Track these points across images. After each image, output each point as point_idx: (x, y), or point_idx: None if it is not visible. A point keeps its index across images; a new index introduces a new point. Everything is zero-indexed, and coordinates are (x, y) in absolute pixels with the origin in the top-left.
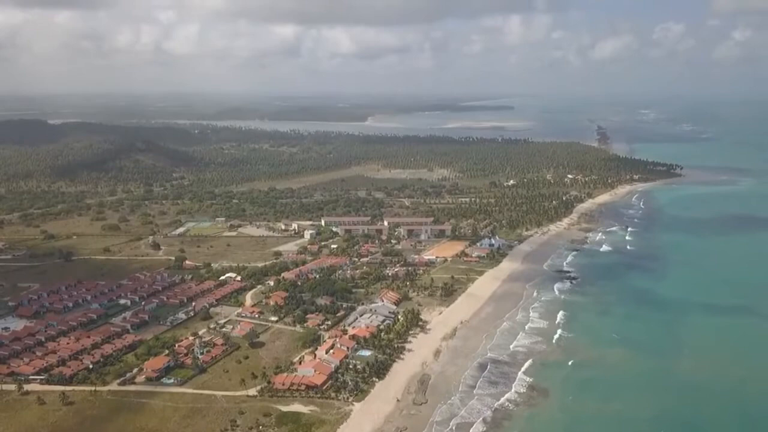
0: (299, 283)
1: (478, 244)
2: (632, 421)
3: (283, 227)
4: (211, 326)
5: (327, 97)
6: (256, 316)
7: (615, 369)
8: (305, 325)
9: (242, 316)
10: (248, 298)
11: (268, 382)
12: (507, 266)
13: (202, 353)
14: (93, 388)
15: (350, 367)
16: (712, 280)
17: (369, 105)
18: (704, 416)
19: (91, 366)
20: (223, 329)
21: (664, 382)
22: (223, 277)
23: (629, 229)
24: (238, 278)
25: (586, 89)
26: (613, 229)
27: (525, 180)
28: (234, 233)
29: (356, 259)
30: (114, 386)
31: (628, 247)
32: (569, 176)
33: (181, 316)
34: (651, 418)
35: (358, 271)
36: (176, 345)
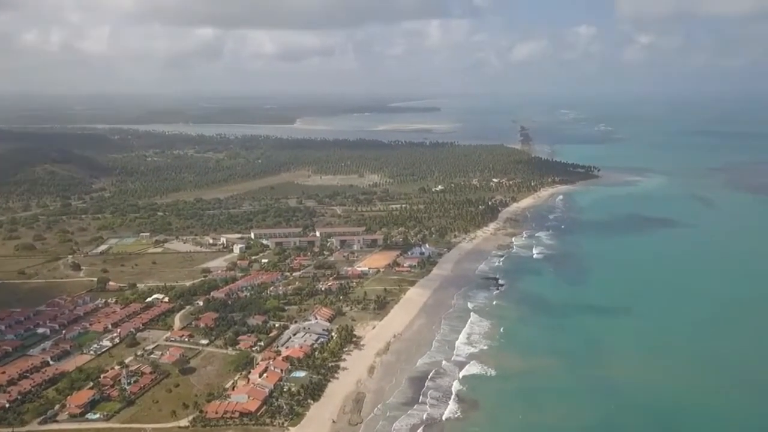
0: (230, 302)
1: (410, 253)
2: (563, 430)
3: (211, 241)
4: (139, 353)
5: (253, 98)
6: (186, 339)
7: (544, 377)
8: (237, 347)
9: (171, 341)
10: (177, 321)
11: (201, 412)
12: (437, 275)
13: (129, 384)
14: (11, 430)
15: (285, 390)
16: (632, 282)
17: (297, 106)
18: (628, 422)
19: (7, 405)
20: (152, 356)
21: (590, 388)
22: (149, 299)
23: (552, 232)
24: (166, 299)
25: (508, 90)
26: (538, 233)
27: (452, 185)
28: (160, 249)
29: (288, 274)
30: (34, 426)
31: (551, 251)
32: (494, 180)
33: (106, 343)
34: (580, 425)
35: (290, 287)
36: (101, 376)
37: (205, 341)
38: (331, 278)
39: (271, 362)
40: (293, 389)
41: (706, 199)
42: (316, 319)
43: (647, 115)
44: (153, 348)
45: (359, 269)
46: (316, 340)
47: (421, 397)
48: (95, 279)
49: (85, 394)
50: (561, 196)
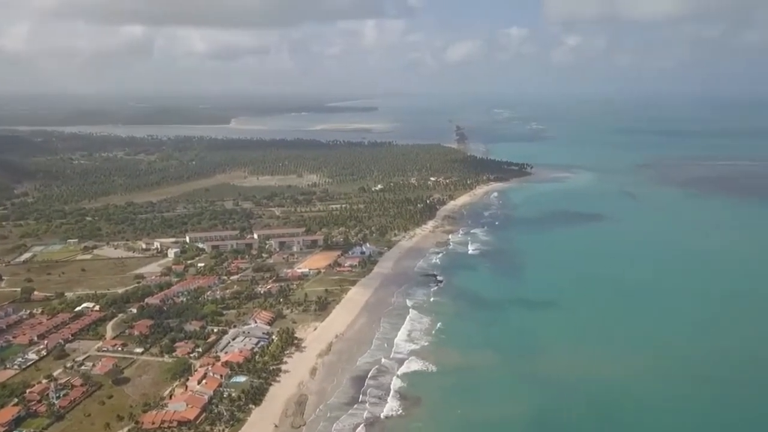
0: (165, 309)
1: (350, 252)
2: (503, 423)
3: (144, 246)
4: (68, 365)
5: (187, 97)
6: (119, 349)
7: (483, 371)
8: (174, 354)
9: (103, 351)
10: (109, 330)
11: (137, 423)
12: (378, 273)
13: (58, 398)
14: None
15: (225, 396)
16: (563, 275)
17: (232, 106)
18: (566, 414)
19: None
20: (82, 367)
21: (528, 380)
22: (79, 308)
23: (488, 229)
24: (97, 308)
25: (443, 89)
26: (474, 230)
27: (391, 184)
28: (89, 256)
29: (226, 278)
30: None
31: (487, 247)
32: (432, 179)
33: (32, 356)
34: (520, 417)
35: (228, 291)
36: (27, 391)
37: (139, 350)
38: (270, 281)
39: (210, 368)
40: (234, 395)
41: (632, 193)
42: (256, 322)
43: (576, 114)
44: (83, 359)
45: (299, 271)
46: (257, 343)
47: (361, 396)
48: (19, 289)
49: (9, 412)
50: (496, 194)
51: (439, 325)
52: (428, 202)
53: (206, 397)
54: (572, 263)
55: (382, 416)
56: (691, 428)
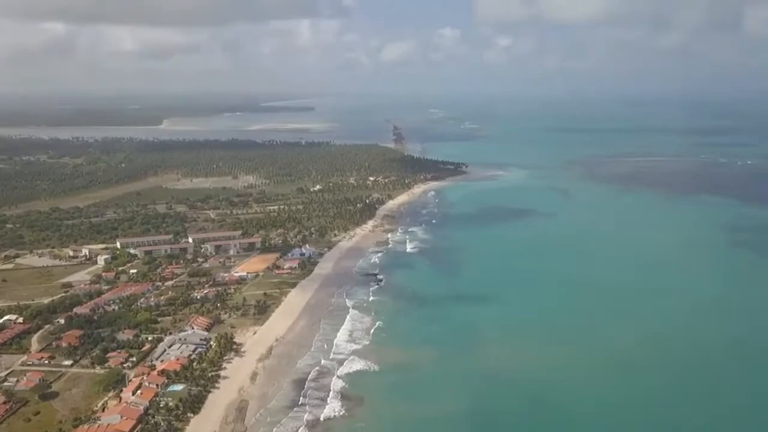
0: (96, 318)
1: (290, 254)
2: (445, 418)
3: (71, 254)
4: None
5: (115, 98)
6: (46, 362)
7: (425, 367)
8: (106, 365)
9: (28, 365)
10: (34, 342)
11: None
12: (318, 275)
13: None
14: None
15: (161, 406)
16: (500, 269)
17: (163, 107)
18: (505, 406)
19: None
20: (5, 384)
21: (470, 375)
22: (0, 321)
23: (426, 227)
24: (20, 320)
25: (380, 89)
26: (413, 228)
27: (330, 184)
28: (11, 265)
29: (160, 284)
30: None
31: (425, 245)
32: (371, 178)
33: None
34: (463, 411)
35: (163, 297)
36: None
37: (68, 362)
38: (207, 285)
39: (145, 378)
40: (171, 404)
41: (563, 189)
42: (193, 329)
43: (508, 114)
44: (6, 374)
45: (237, 274)
46: (194, 350)
47: (302, 399)
48: None
49: None
50: (433, 192)
51: (379, 323)
52: (368, 201)
53: (142, 407)
54: (508, 258)
55: (322, 418)
56: (626, 417)
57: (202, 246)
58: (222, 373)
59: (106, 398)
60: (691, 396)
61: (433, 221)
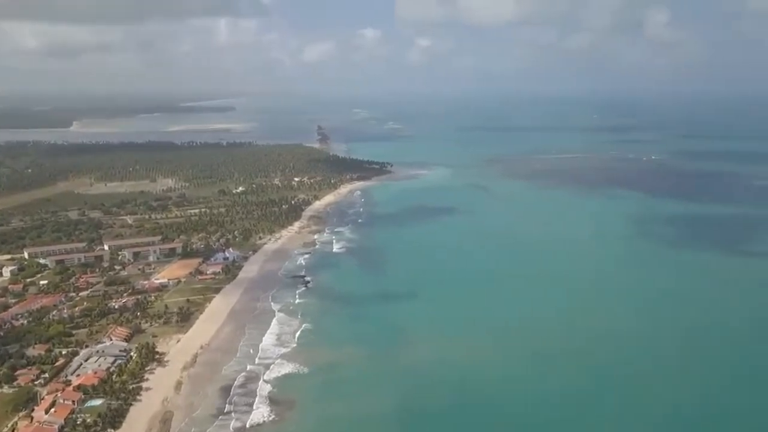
0: (2, 334)
1: (213, 259)
2: (376, 416)
3: None
4: None
5: (18, 98)
6: None
7: (355, 367)
8: (15, 384)
9: None
10: None
11: None
12: (244, 279)
13: None
14: None
15: (79, 422)
16: (426, 266)
17: (74, 108)
18: (434, 400)
19: None
20: None
21: (400, 372)
22: None
23: (353, 227)
24: None
25: (302, 89)
26: (340, 228)
27: (254, 185)
28: None
29: (74, 295)
30: None
31: (352, 244)
32: (296, 179)
33: None
34: (395, 408)
35: (77, 309)
36: None
37: None
38: (125, 294)
39: (59, 394)
40: (89, 420)
41: (484, 187)
42: (111, 340)
43: (431, 113)
44: None
45: (157, 281)
46: (113, 363)
47: (228, 406)
48: None
49: None
50: (359, 192)
51: (307, 325)
52: (293, 202)
53: (56, 426)
54: (433, 255)
55: (249, 424)
56: (549, 407)
57: (119, 253)
58: (144, 384)
59: (16, 419)
60: (606, 380)
61: (360, 221)
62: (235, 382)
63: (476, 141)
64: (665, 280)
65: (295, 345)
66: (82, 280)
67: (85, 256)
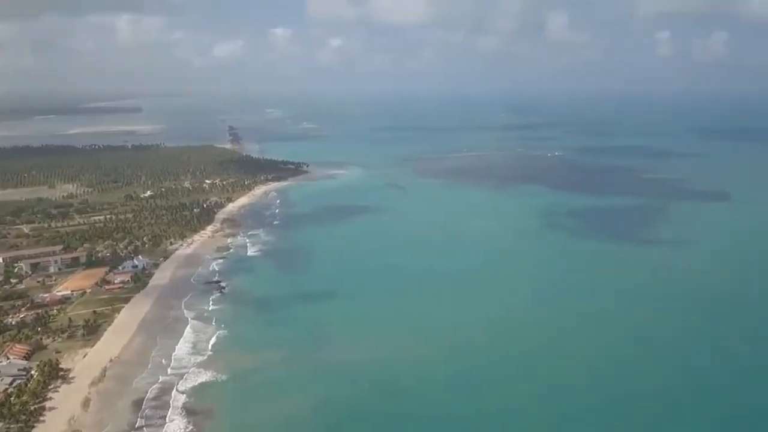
0: None
1: (121, 267)
2: (299, 420)
3: None
4: None
5: None
6: None
7: (276, 370)
8: None
9: None
10: None
11: None
12: (155, 287)
13: None
14: None
15: None
16: (345, 266)
17: None
18: (358, 399)
19: None
20: None
21: (323, 372)
22: None
23: (269, 229)
24: None
25: (212, 89)
26: (255, 231)
27: (163, 189)
28: None
29: None
30: None
31: (269, 246)
32: (207, 182)
33: None
34: (318, 410)
35: None
36: None
37: None
38: (23, 309)
39: None
40: None
41: (400, 185)
42: (9, 359)
43: (345, 113)
44: None
45: (60, 294)
46: (11, 383)
47: (140, 420)
48: None
49: None
50: (275, 193)
51: (223, 332)
52: (205, 206)
53: None
54: (352, 254)
55: None
56: (474, 402)
57: (16, 265)
58: (48, 404)
59: None
60: (529, 370)
61: (276, 222)
62: (148, 395)
63: (391, 140)
64: (571, 269)
65: (210, 352)
66: None
67: None
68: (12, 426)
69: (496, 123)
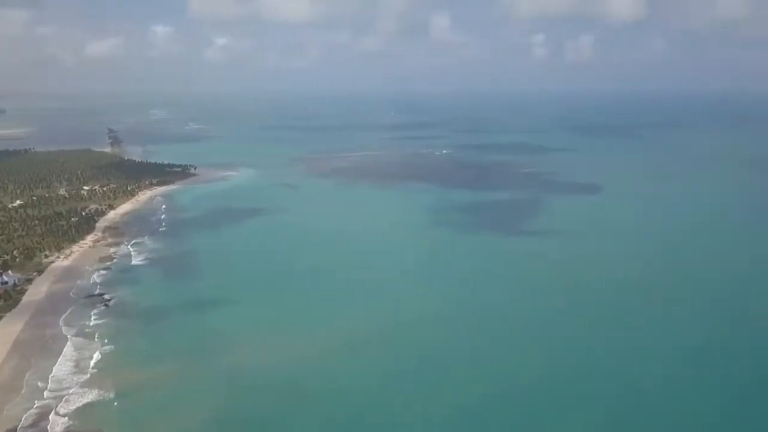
0: None
1: None
2: (203, 428)
3: None
4: None
5: None
6: None
7: (168, 384)
8: None
9: None
10: None
11: None
12: (29, 304)
13: None
14: None
15: None
16: (239, 270)
17: None
18: (261, 402)
19: None
20: None
21: (220, 384)
22: None
23: (156, 236)
24: None
25: (88, 88)
26: (141, 239)
27: (34, 198)
28: None
29: None
30: None
31: (156, 254)
32: (86, 188)
33: None
34: (213, 424)
35: None
36: None
37: None
38: None
39: None
40: None
41: (292, 185)
42: None
43: (234, 113)
44: None
45: None
46: None
47: None
48: None
49: None
50: (161, 198)
51: (108, 347)
52: (84, 214)
53: None
54: (245, 258)
55: None
56: (371, 395)
57: None
58: None
59: None
60: (424, 363)
61: (163, 229)
62: (22, 422)
63: (281, 140)
64: (461, 262)
65: (94, 370)
66: None
67: None
68: None
69: (385, 122)
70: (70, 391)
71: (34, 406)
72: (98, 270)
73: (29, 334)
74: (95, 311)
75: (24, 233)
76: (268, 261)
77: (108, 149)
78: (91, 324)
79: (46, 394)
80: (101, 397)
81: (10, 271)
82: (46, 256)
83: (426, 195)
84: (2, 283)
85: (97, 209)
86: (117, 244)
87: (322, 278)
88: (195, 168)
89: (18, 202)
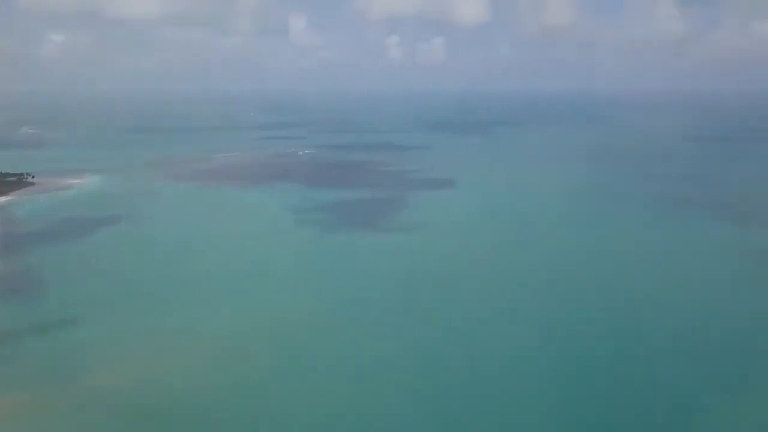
0: None
1: None
2: None
3: None
4: None
5: None
6: None
7: (13, 418)
8: None
9: None
10: None
11: None
12: None
13: None
14: None
15: None
16: (83, 289)
17: None
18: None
19: None
20: None
21: (72, 412)
22: None
23: None
24: None
25: None
26: None
27: None
28: None
29: None
30: None
31: None
32: None
33: None
34: None
35: None
36: None
37: None
38: None
39: None
40: None
41: (147, 192)
42: None
43: (77, 114)
44: None
45: None
46: None
47: None
48: None
49: None
50: None
51: None
52: None
53: None
54: (98, 272)
55: None
56: (245, 411)
57: None
58: None
59: None
60: (299, 366)
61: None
62: None
63: (135, 143)
64: (329, 260)
65: None
66: None
67: None
68: None
69: (246, 122)
70: None
71: None
72: None
73: None
74: None
75: None
76: (122, 275)
77: None
78: None
79: None
80: None
81: None
82: None
83: (291, 195)
84: None
85: None
86: None
87: (183, 288)
88: (33, 176)
89: None
